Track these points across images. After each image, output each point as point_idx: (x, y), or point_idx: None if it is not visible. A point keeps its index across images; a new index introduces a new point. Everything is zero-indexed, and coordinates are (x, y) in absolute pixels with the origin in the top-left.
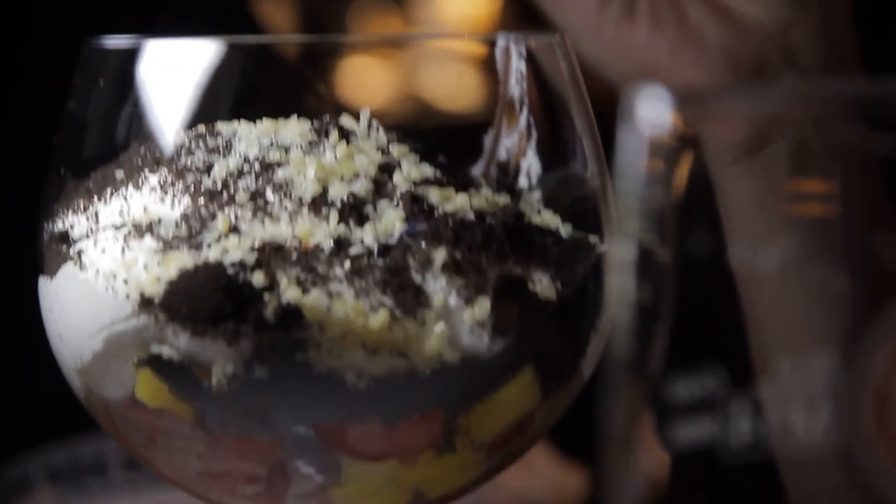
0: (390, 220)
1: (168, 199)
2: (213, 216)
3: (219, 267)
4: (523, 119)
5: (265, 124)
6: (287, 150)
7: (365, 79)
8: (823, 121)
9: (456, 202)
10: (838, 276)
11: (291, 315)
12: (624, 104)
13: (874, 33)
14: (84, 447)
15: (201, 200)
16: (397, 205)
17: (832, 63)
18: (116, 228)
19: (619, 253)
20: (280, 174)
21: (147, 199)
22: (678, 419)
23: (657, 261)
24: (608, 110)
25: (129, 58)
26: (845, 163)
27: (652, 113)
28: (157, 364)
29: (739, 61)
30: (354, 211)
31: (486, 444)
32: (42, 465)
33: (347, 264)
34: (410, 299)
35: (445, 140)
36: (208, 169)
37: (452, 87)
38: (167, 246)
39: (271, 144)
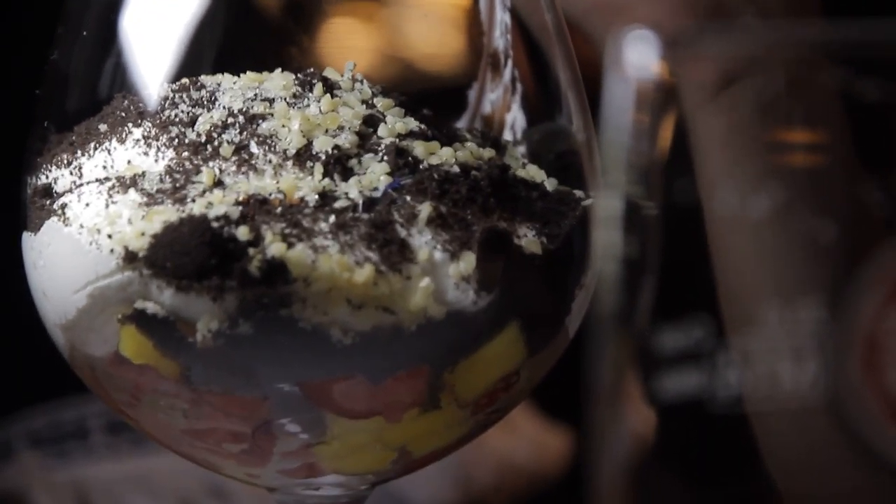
0: (375, 174)
1: (152, 152)
2: (198, 169)
3: (203, 220)
4: (508, 72)
5: (249, 77)
6: (271, 102)
7: (348, 29)
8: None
9: (441, 155)
10: (823, 224)
11: (276, 270)
12: (611, 51)
13: None
14: (66, 412)
15: (185, 153)
16: (382, 158)
17: (793, 3)
18: (100, 182)
19: (605, 206)
20: (264, 126)
21: (131, 153)
22: (666, 371)
23: (643, 213)
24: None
25: (113, 8)
26: (829, 109)
27: (639, 57)
28: (141, 320)
29: (696, 2)
30: (339, 164)
31: (471, 402)
32: (23, 430)
33: (332, 218)
34: (395, 254)
35: (430, 94)
36: (192, 122)
37: (436, 39)
38: (151, 199)
39: (255, 97)
